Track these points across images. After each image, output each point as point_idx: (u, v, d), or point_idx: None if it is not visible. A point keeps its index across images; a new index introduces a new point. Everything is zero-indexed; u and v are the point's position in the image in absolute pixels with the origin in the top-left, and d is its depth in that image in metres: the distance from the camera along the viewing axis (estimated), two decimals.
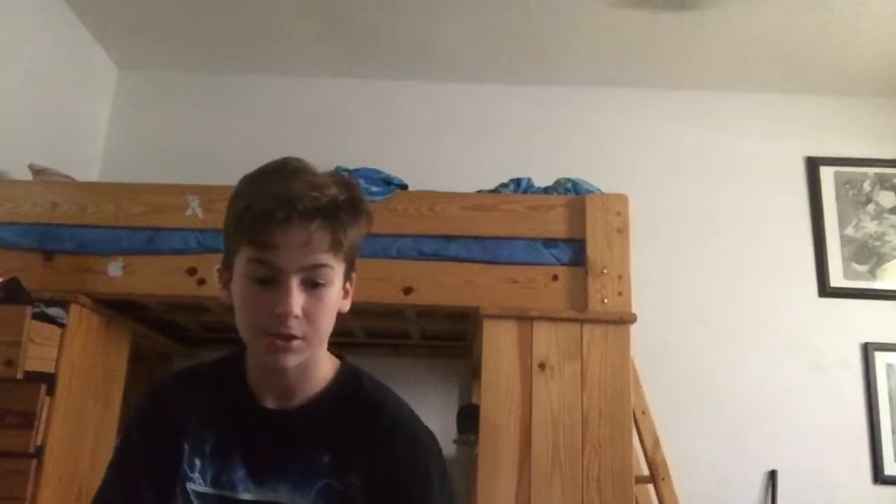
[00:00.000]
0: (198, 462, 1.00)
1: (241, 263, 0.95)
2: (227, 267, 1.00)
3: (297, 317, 0.93)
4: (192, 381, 1.08)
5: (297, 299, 0.92)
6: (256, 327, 0.95)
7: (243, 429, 1.01)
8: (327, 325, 0.98)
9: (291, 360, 0.95)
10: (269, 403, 1.03)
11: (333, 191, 0.93)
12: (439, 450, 1.04)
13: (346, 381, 1.05)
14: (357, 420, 1.01)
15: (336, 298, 0.99)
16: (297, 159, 0.98)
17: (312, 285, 0.94)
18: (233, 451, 1.00)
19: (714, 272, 2.96)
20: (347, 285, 1.03)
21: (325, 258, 0.94)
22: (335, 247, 0.94)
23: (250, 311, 0.95)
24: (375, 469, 0.98)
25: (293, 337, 0.94)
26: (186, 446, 1.01)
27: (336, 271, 0.97)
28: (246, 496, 0.99)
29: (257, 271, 0.93)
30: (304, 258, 0.92)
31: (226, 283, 1.00)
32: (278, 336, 0.93)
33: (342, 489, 0.98)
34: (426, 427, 1.05)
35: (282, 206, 0.90)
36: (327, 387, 1.04)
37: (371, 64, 3.15)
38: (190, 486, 0.99)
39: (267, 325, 0.94)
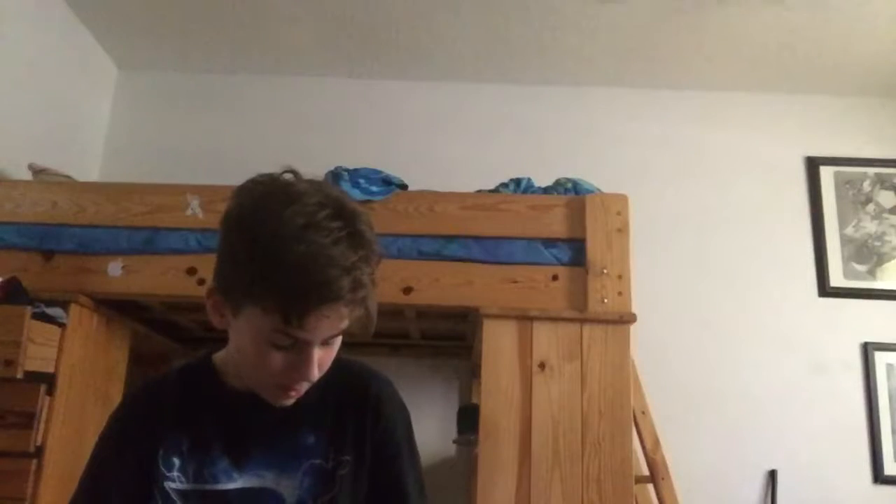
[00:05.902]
0: (176, 461, 1.00)
1: (258, 320, 0.90)
2: (229, 300, 0.94)
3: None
4: (160, 387, 1.08)
5: (317, 362, 0.93)
6: (266, 377, 0.94)
7: (221, 420, 1.01)
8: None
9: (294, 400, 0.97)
10: (246, 391, 1.02)
11: (365, 272, 0.91)
12: (410, 420, 1.11)
13: None
14: (344, 398, 1.04)
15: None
16: (331, 211, 0.89)
17: (327, 343, 0.94)
18: (212, 444, 1.00)
19: (714, 272, 2.96)
20: None
21: (346, 322, 0.93)
22: (358, 310, 0.93)
23: (262, 366, 0.93)
24: (366, 444, 1.02)
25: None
26: (161, 450, 1.00)
27: None
28: (230, 486, 0.99)
29: (280, 341, 0.90)
30: (331, 331, 0.92)
31: (217, 306, 0.97)
32: (291, 389, 0.95)
33: (330, 468, 0.99)
34: (402, 400, 1.11)
35: (322, 298, 0.87)
36: None
37: (372, 64, 3.15)
38: (169, 485, 0.99)
39: (280, 379, 0.94)
